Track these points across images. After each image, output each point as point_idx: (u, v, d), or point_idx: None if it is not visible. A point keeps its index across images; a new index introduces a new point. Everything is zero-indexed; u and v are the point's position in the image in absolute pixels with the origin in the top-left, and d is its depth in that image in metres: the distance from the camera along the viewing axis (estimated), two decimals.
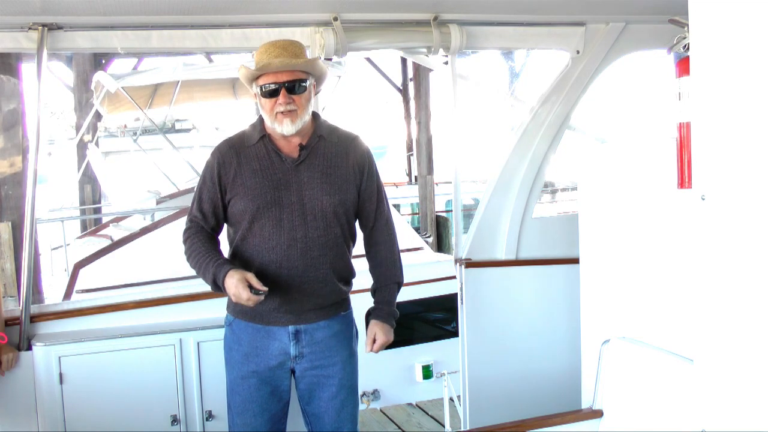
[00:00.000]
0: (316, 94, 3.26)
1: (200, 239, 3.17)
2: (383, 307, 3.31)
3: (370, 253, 3.36)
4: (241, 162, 3.16)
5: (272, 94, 3.07)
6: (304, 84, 3.10)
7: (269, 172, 3.13)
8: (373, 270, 3.36)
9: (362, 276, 3.35)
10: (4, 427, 3.48)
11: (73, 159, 13.73)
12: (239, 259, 3.19)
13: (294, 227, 3.10)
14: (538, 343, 4.55)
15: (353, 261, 3.35)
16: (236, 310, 3.25)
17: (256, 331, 3.21)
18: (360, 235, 3.37)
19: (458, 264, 4.45)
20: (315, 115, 3.26)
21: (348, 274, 3.30)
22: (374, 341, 3.28)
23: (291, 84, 3.07)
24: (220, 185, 3.18)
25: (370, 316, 3.34)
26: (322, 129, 3.21)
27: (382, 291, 3.34)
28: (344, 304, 3.33)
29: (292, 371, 3.26)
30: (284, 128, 3.09)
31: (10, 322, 3.56)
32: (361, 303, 3.37)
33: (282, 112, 3.07)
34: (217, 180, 3.18)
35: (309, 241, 3.11)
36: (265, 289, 2.96)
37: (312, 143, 3.17)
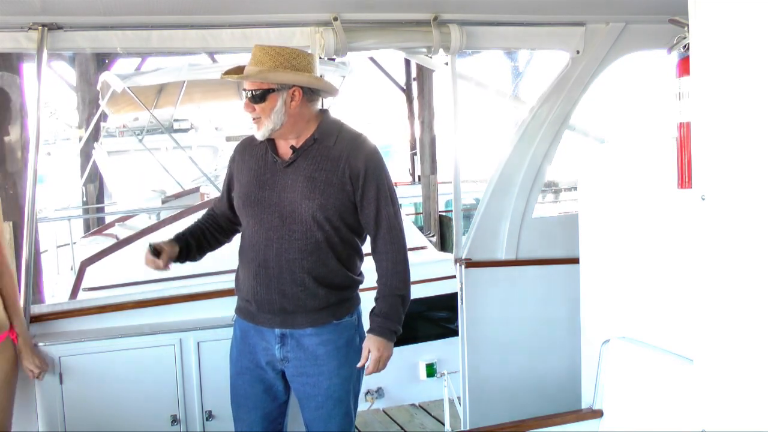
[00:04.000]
0: (313, 98, 3.18)
1: (197, 221, 3.52)
2: (378, 320, 3.18)
3: (375, 263, 3.25)
4: (244, 159, 3.27)
5: (246, 98, 3.12)
6: (267, 93, 3.05)
7: (261, 171, 3.17)
8: (377, 281, 3.25)
9: (367, 274, 3.33)
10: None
11: (74, 159, 13.74)
12: (239, 249, 3.29)
13: (271, 228, 3.11)
14: (538, 343, 4.54)
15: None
16: (235, 307, 3.35)
17: (249, 329, 3.26)
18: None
19: (458, 264, 4.45)
20: (323, 114, 3.23)
21: (338, 280, 3.20)
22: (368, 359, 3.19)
23: (252, 93, 3.06)
24: (229, 178, 3.37)
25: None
26: (321, 131, 3.15)
27: (380, 303, 3.21)
28: (338, 312, 3.22)
29: (284, 374, 3.26)
30: (255, 133, 3.13)
31: None
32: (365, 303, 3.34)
33: (252, 118, 3.11)
34: (228, 173, 3.38)
35: (285, 243, 3.09)
36: (159, 263, 3.26)
37: (306, 146, 3.13)
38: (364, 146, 3.19)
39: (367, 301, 3.31)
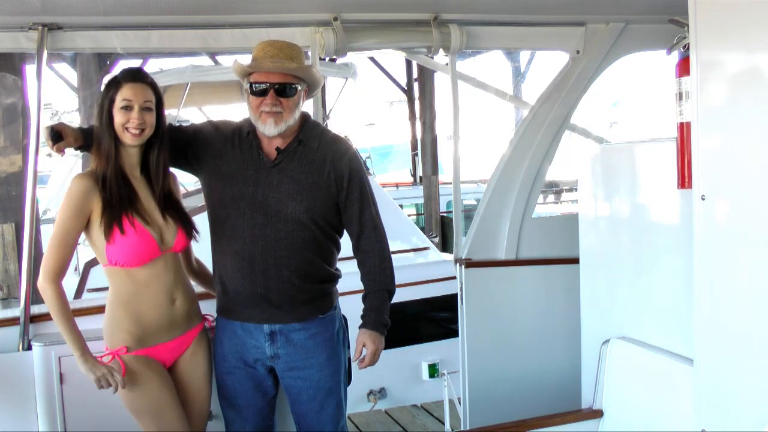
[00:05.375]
0: (307, 98, 3.27)
1: None
2: (370, 314, 3.24)
3: (359, 261, 3.31)
4: (233, 145, 3.22)
5: (261, 93, 3.08)
6: (294, 88, 3.10)
7: (245, 166, 3.17)
8: (363, 278, 3.30)
9: (349, 278, 3.35)
10: (4, 427, 3.48)
11: (77, 160, 13.72)
12: (214, 240, 3.27)
13: (255, 225, 3.13)
14: (538, 343, 4.54)
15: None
16: (218, 307, 3.35)
17: (235, 328, 3.26)
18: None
19: (458, 264, 4.45)
20: (304, 117, 3.27)
21: (323, 276, 3.27)
22: (362, 352, 3.23)
23: (281, 86, 3.07)
24: (197, 138, 3.26)
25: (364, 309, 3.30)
26: (305, 133, 3.20)
27: (370, 298, 3.27)
28: (323, 306, 3.29)
29: (273, 370, 3.30)
30: (266, 128, 3.10)
31: (10, 323, 3.57)
32: (354, 305, 3.35)
33: (267, 112, 3.07)
34: (201, 130, 3.28)
35: (271, 241, 3.13)
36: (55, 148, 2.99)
37: (290, 147, 3.17)
38: (347, 150, 3.28)
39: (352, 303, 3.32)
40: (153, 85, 3.03)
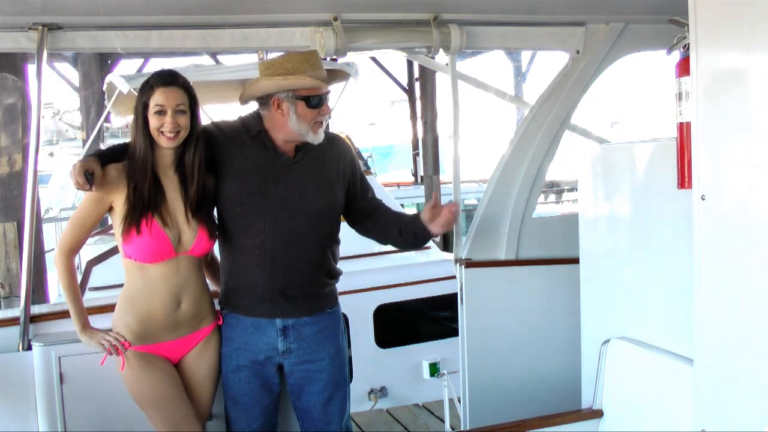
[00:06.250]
0: None
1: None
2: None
3: (387, 217, 3.50)
4: (242, 144, 3.27)
5: (318, 104, 3.19)
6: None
7: (263, 164, 3.24)
8: (392, 217, 3.51)
9: (350, 277, 3.38)
10: (4, 427, 3.48)
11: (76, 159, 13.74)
12: (226, 239, 3.31)
13: (278, 220, 3.20)
14: (538, 343, 4.54)
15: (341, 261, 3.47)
16: (224, 303, 3.38)
17: (245, 325, 3.30)
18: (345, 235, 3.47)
19: (458, 264, 4.45)
20: None
21: (333, 271, 3.40)
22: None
23: (327, 96, 3.25)
24: (208, 145, 3.23)
25: (418, 219, 3.44)
26: None
27: (410, 216, 3.56)
28: (331, 301, 3.41)
29: (281, 366, 3.35)
30: (317, 138, 3.23)
31: (10, 323, 3.57)
32: (353, 305, 3.38)
33: (320, 123, 3.21)
34: (212, 139, 3.25)
35: (295, 236, 3.22)
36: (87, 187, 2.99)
37: (307, 145, 3.27)
38: (347, 144, 3.54)
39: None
40: (185, 87, 3.09)
